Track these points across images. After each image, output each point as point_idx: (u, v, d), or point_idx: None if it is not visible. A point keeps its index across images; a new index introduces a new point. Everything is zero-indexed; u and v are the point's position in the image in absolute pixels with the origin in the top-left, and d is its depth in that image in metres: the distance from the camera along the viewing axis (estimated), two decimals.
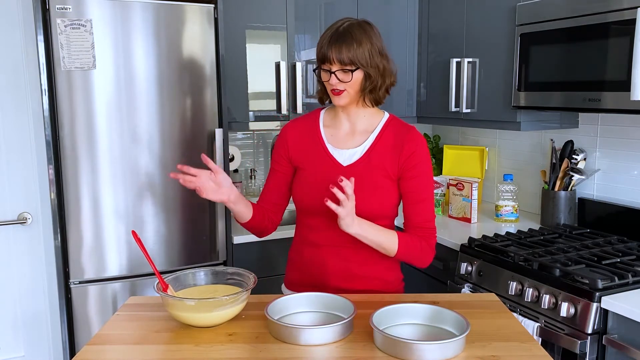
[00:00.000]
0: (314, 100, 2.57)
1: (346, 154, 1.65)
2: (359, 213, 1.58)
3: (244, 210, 1.66)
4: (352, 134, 1.68)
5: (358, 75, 1.57)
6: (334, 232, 1.61)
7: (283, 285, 1.83)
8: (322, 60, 1.58)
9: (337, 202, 1.46)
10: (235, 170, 3.17)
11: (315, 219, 1.66)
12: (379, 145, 1.65)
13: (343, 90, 1.58)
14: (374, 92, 1.62)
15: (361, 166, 1.63)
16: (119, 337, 1.37)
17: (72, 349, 2.44)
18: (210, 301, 1.39)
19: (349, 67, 1.55)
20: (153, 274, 1.51)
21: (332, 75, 1.57)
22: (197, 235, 2.53)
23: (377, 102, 1.66)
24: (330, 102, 1.70)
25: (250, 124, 2.81)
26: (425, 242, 1.64)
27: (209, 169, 1.56)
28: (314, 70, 1.66)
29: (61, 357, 2.52)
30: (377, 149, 1.65)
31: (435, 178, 2.98)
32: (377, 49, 1.58)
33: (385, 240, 1.59)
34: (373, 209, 1.62)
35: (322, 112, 1.74)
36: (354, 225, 1.51)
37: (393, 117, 1.72)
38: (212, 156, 2.51)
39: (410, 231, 1.66)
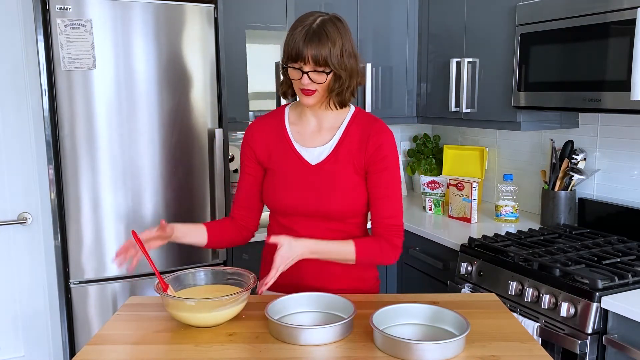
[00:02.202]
0: None
1: (314, 153, 1.63)
2: (332, 213, 1.59)
3: (195, 241, 1.66)
4: (318, 130, 1.65)
5: (329, 77, 1.53)
6: (309, 231, 1.60)
7: (258, 284, 1.80)
8: (295, 58, 1.50)
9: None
10: (235, 170, 3.17)
11: (289, 219, 1.64)
12: (346, 142, 1.62)
13: (314, 91, 1.54)
14: (341, 95, 1.57)
15: (329, 164, 1.61)
16: (119, 337, 1.37)
17: (72, 349, 2.44)
18: (210, 301, 1.39)
19: (322, 69, 1.50)
20: (153, 274, 1.50)
21: (305, 75, 1.51)
22: None
23: (342, 105, 1.61)
24: (292, 96, 1.67)
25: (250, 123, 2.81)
26: (385, 241, 1.61)
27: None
28: (283, 67, 1.57)
29: (61, 357, 2.52)
30: (344, 145, 1.62)
31: (435, 178, 2.98)
32: (347, 49, 1.53)
33: (339, 251, 1.58)
34: (345, 207, 1.60)
35: (287, 109, 1.70)
36: (300, 252, 1.52)
37: (359, 110, 1.68)
38: (212, 156, 2.51)
39: (375, 228, 1.63)
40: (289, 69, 1.55)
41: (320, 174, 1.60)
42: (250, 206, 1.72)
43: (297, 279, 1.64)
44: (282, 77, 1.67)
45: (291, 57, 1.51)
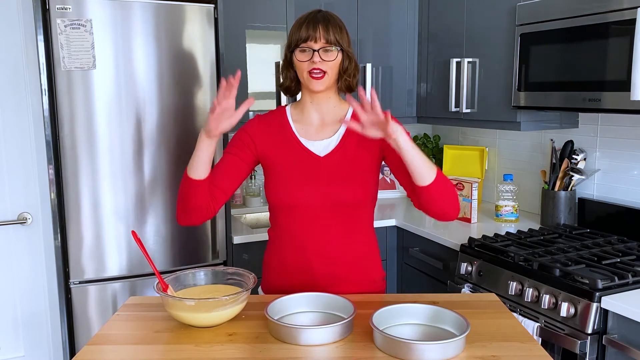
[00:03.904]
0: None
1: (321, 145, 1.63)
2: (342, 202, 1.59)
3: (209, 162, 1.52)
4: (322, 125, 1.66)
5: (339, 57, 1.58)
6: (318, 231, 1.60)
7: (260, 289, 1.78)
8: (305, 39, 1.55)
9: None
10: None
11: (296, 217, 1.62)
12: (352, 131, 1.60)
13: (324, 74, 1.57)
14: (350, 78, 1.63)
15: (338, 154, 1.62)
16: (119, 337, 1.37)
17: (72, 349, 2.44)
18: (210, 301, 1.38)
19: (332, 46, 1.56)
20: (153, 274, 1.51)
21: (316, 53, 1.55)
22: (197, 235, 2.53)
23: (350, 89, 1.65)
24: (294, 92, 1.68)
25: None
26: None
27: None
28: (291, 51, 1.58)
29: (61, 357, 2.52)
30: (351, 135, 1.62)
31: None
32: (349, 39, 1.62)
33: (425, 159, 1.46)
34: (354, 196, 1.60)
35: (288, 108, 1.71)
36: (400, 130, 1.41)
37: None
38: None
39: None
40: (297, 52, 1.58)
41: (329, 165, 1.61)
42: (220, 185, 1.61)
43: (309, 282, 1.63)
44: (283, 73, 1.68)
45: (301, 38, 1.56)
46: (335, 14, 1.62)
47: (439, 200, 1.50)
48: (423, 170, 1.45)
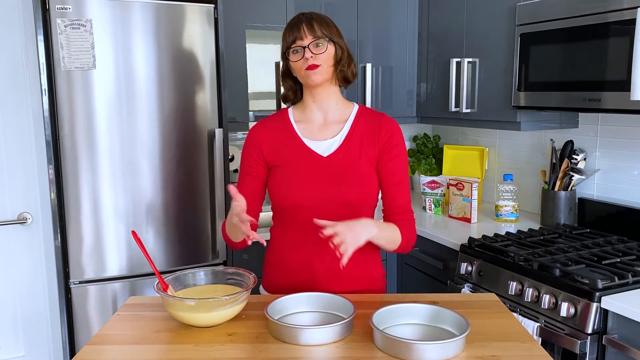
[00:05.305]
0: None
1: (324, 145, 1.64)
2: (344, 202, 1.59)
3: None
4: (325, 125, 1.67)
5: (330, 48, 1.59)
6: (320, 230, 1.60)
7: (261, 287, 1.78)
8: (293, 40, 1.58)
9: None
10: (235, 170, 3.17)
11: (299, 217, 1.62)
12: (356, 133, 1.64)
13: (318, 65, 1.58)
14: (345, 69, 1.63)
15: (341, 155, 1.62)
16: (119, 337, 1.37)
17: (72, 349, 2.44)
18: (210, 301, 1.39)
19: (320, 40, 1.57)
20: (153, 274, 1.51)
21: (306, 49, 1.56)
22: (197, 235, 2.53)
23: (347, 82, 1.66)
24: (293, 101, 1.70)
25: (250, 124, 2.82)
26: (411, 226, 1.66)
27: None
28: (285, 57, 1.62)
29: (61, 357, 2.52)
30: (354, 136, 1.64)
31: (435, 178, 2.98)
32: (339, 32, 1.63)
33: (392, 234, 1.59)
34: (357, 197, 1.61)
35: (290, 110, 1.72)
36: (365, 232, 1.46)
37: (363, 106, 1.72)
38: (212, 156, 2.51)
39: (391, 217, 1.66)
40: (290, 55, 1.60)
41: (332, 165, 1.61)
42: (253, 209, 1.69)
43: (309, 280, 1.63)
44: (282, 83, 1.70)
45: (289, 41, 1.59)
46: (320, 13, 1.64)
47: (400, 250, 1.66)
48: (388, 243, 1.60)
